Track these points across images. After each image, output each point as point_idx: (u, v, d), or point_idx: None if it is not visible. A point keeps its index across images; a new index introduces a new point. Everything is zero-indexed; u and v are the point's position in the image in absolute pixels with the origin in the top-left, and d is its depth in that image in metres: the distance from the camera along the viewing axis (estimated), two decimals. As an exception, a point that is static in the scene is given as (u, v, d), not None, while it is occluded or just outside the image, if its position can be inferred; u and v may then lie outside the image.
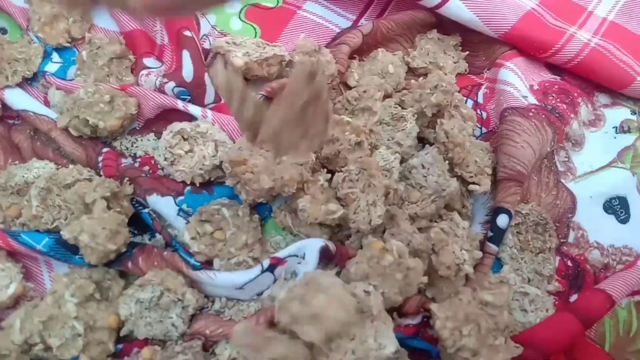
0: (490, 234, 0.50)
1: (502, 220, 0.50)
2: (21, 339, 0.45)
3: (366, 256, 0.45)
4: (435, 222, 0.50)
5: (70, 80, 0.57)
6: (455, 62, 0.61)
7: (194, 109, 0.53)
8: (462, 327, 0.43)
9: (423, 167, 0.50)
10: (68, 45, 0.60)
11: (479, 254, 0.49)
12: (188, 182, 0.51)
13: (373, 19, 0.62)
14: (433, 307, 0.44)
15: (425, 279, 0.45)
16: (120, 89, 0.54)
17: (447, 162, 0.50)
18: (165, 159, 0.51)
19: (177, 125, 0.52)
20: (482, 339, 0.42)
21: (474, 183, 0.51)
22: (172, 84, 0.54)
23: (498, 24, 0.58)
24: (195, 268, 0.47)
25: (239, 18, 0.62)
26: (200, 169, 0.51)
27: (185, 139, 0.52)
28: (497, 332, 0.43)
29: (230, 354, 0.45)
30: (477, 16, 0.58)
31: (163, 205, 0.50)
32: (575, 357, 0.47)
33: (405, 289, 0.44)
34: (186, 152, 0.51)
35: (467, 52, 0.62)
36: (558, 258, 0.52)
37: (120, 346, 0.47)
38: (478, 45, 0.62)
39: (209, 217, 0.49)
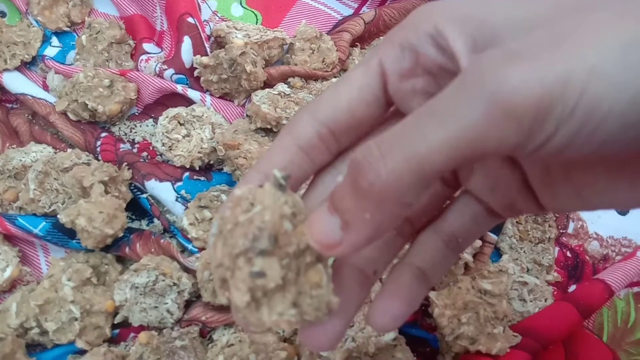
0: (489, 223, 0.50)
1: (502, 209, 0.50)
2: (17, 323, 0.44)
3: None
4: (435, 210, 0.50)
5: (70, 64, 0.57)
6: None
7: (193, 94, 0.53)
8: (461, 315, 0.42)
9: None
10: (67, 29, 0.59)
11: (479, 242, 0.48)
12: (187, 167, 0.51)
13: (375, 7, 0.62)
14: (432, 295, 0.44)
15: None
16: (119, 73, 0.54)
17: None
18: (163, 145, 0.51)
19: (172, 111, 0.52)
20: (480, 327, 0.42)
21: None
22: (171, 70, 0.54)
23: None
24: (192, 253, 0.47)
25: (240, 4, 0.62)
26: (199, 152, 0.50)
27: (181, 124, 0.51)
28: (495, 321, 0.43)
29: (228, 340, 0.44)
30: (479, 5, 0.58)
31: (161, 190, 0.50)
32: (573, 347, 0.47)
33: (404, 277, 0.44)
34: (183, 137, 0.51)
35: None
36: (557, 248, 0.52)
37: (116, 331, 0.47)
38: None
39: (208, 203, 0.49)
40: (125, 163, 0.51)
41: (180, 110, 0.51)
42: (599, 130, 0.16)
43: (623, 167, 0.19)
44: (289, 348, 0.44)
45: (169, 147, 0.51)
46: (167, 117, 0.51)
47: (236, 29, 0.56)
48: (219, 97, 0.54)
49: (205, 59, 0.52)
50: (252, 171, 0.23)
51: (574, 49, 0.16)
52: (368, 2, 0.63)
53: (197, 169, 0.51)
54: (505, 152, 0.17)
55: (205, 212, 0.48)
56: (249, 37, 0.54)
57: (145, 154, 0.53)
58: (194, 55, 0.54)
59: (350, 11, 0.63)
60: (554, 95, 0.15)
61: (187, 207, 0.49)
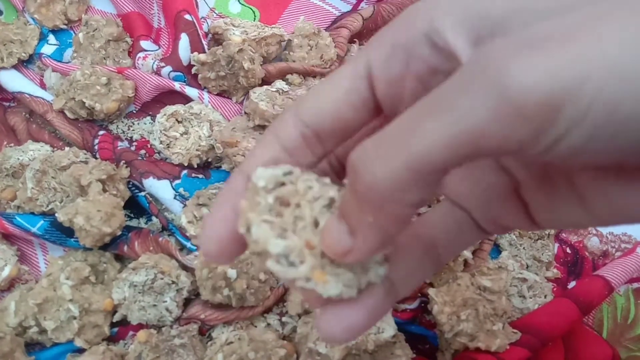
0: (489, 219, 0.50)
1: (501, 206, 0.49)
2: (16, 322, 0.44)
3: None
4: (434, 207, 0.50)
5: (67, 62, 0.57)
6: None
7: (190, 91, 0.53)
8: (460, 312, 0.42)
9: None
10: (64, 27, 0.59)
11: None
12: (185, 164, 0.51)
13: (373, 3, 0.61)
14: (431, 291, 0.44)
15: (423, 264, 0.44)
16: (117, 71, 0.54)
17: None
18: (161, 142, 0.51)
19: (170, 108, 0.51)
20: (480, 324, 0.42)
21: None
22: (168, 68, 0.54)
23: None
24: (191, 251, 0.47)
25: (238, 1, 0.61)
26: (197, 149, 0.50)
27: (179, 122, 0.51)
28: (495, 318, 0.43)
29: (227, 337, 0.44)
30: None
31: (159, 188, 0.50)
32: (573, 343, 0.47)
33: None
34: (181, 135, 0.51)
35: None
36: (557, 245, 0.51)
37: (115, 330, 0.47)
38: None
39: (206, 200, 0.49)
40: (123, 161, 0.50)
41: (178, 107, 0.51)
42: (618, 135, 0.14)
43: None
44: (287, 346, 0.44)
45: (167, 144, 0.51)
46: (165, 114, 0.51)
47: (234, 25, 0.55)
48: (217, 95, 0.54)
49: (202, 56, 0.52)
50: (236, 172, 0.22)
51: (593, 42, 0.14)
52: (366, -1, 0.63)
53: (195, 166, 0.51)
54: (508, 152, 0.15)
55: (203, 210, 0.48)
56: (247, 34, 0.54)
57: (143, 152, 0.53)
58: (192, 52, 0.54)
59: (349, 7, 0.62)
60: (567, 92, 0.14)
61: (185, 205, 0.49)
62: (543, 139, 0.14)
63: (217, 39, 0.56)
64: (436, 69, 0.19)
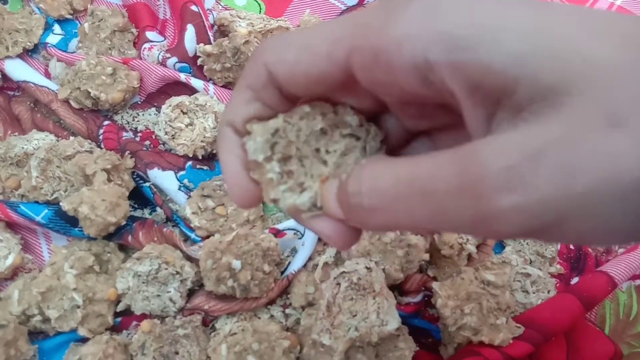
0: (493, 214, 0.50)
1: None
2: (19, 310, 0.44)
3: (368, 233, 0.45)
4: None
5: (72, 52, 0.57)
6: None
7: (196, 82, 0.53)
8: (464, 306, 0.42)
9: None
10: (70, 17, 0.59)
11: (482, 234, 0.48)
12: (190, 155, 0.51)
13: (379, -3, 0.61)
14: (435, 285, 0.44)
15: (426, 256, 0.45)
16: (122, 62, 0.53)
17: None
18: (166, 133, 0.51)
19: (175, 99, 0.51)
20: (483, 318, 0.42)
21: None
22: (174, 59, 0.54)
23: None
24: (195, 242, 0.47)
25: (244, -6, 0.61)
26: (202, 141, 0.50)
27: (184, 113, 0.51)
28: (498, 312, 0.43)
29: (231, 328, 0.44)
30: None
31: (164, 179, 0.50)
32: (576, 338, 0.47)
33: (406, 266, 0.44)
34: (186, 126, 0.51)
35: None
36: (560, 241, 0.51)
37: (119, 319, 0.47)
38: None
39: (210, 192, 0.49)
40: (128, 151, 0.50)
41: (184, 99, 0.51)
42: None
43: None
44: (291, 337, 0.44)
45: (172, 135, 0.51)
46: (170, 105, 0.51)
47: (240, 17, 0.55)
48: (222, 86, 0.54)
49: (208, 48, 0.52)
50: (223, 125, 0.23)
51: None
52: (372, -7, 0.63)
53: (200, 158, 0.51)
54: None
55: (208, 201, 0.48)
56: (253, 26, 0.54)
57: (147, 142, 0.53)
58: (198, 43, 0.54)
59: (354, 1, 0.62)
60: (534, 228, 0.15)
61: (189, 196, 0.49)
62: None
63: (222, 31, 0.56)
64: (427, 97, 0.19)
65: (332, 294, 0.42)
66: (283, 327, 0.45)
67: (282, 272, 0.47)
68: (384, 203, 0.18)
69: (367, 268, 0.42)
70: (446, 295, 0.43)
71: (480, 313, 0.42)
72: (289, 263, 0.47)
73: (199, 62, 0.53)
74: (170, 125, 0.50)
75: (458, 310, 0.42)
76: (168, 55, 0.54)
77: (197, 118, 0.51)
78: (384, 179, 0.18)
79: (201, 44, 0.53)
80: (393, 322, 0.40)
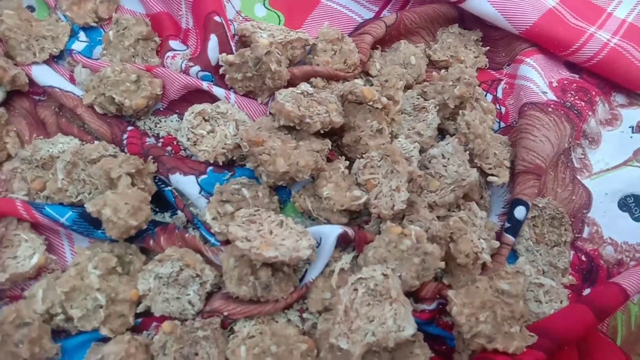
0: (507, 225, 0.51)
1: (519, 211, 0.50)
2: (43, 309, 0.45)
3: (385, 240, 0.45)
4: (453, 211, 0.51)
5: (96, 59, 0.58)
6: (475, 57, 0.61)
7: (218, 91, 0.54)
8: (479, 314, 0.43)
9: (443, 156, 0.50)
10: (95, 25, 0.60)
11: (497, 243, 0.49)
12: (211, 162, 0.52)
13: (396, 10, 0.63)
14: (450, 293, 0.45)
15: (442, 264, 0.45)
16: (145, 69, 0.55)
17: (467, 152, 0.51)
18: (188, 139, 0.52)
19: (198, 107, 0.53)
20: (497, 326, 0.43)
21: (492, 175, 0.51)
22: (197, 67, 0.55)
23: (519, 21, 0.59)
24: (214, 246, 0.48)
25: (264, 5, 0.63)
26: (223, 148, 0.51)
27: (206, 120, 0.52)
28: (512, 320, 0.44)
29: (249, 331, 0.45)
30: (499, 12, 0.59)
31: (185, 184, 0.51)
32: (588, 349, 0.47)
33: (422, 273, 0.45)
34: (208, 133, 0.52)
35: (488, 48, 0.62)
36: (572, 252, 0.52)
37: (139, 320, 0.48)
38: (498, 42, 0.63)
39: (229, 197, 0.50)
40: (151, 156, 0.52)
41: (206, 106, 0.52)
42: None
43: None
44: (309, 341, 0.45)
45: (194, 142, 0.52)
46: (192, 112, 0.52)
47: (260, 28, 0.57)
48: (243, 95, 0.55)
49: (231, 57, 0.54)
50: None
51: None
52: (389, 6, 0.64)
53: (221, 164, 0.52)
54: None
55: (227, 206, 0.49)
56: (274, 37, 0.55)
57: (169, 148, 0.54)
58: (220, 53, 0.55)
59: (371, 14, 0.64)
60: None
61: (209, 201, 0.50)
62: None
63: (243, 41, 0.57)
64: None
65: (350, 299, 0.43)
66: (300, 331, 0.46)
67: (300, 280, 0.48)
68: None
69: (384, 275, 0.43)
70: (461, 303, 0.44)
71: (494, 321, 0.43)
72: (306, 270, 0.48)
73: (221, 71, 0.55)
74: (192, 132, 0.52)
75: (473, 318, 0.43)
76: (191, 63, 0.55)
77: (218, 125, 0.52)
78: None
79: (224, 54, 0.54)
80: (409, 328, 0.41)
